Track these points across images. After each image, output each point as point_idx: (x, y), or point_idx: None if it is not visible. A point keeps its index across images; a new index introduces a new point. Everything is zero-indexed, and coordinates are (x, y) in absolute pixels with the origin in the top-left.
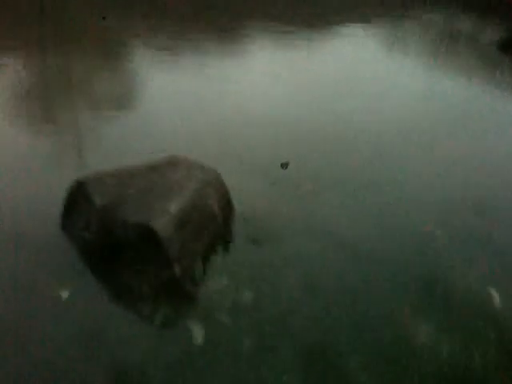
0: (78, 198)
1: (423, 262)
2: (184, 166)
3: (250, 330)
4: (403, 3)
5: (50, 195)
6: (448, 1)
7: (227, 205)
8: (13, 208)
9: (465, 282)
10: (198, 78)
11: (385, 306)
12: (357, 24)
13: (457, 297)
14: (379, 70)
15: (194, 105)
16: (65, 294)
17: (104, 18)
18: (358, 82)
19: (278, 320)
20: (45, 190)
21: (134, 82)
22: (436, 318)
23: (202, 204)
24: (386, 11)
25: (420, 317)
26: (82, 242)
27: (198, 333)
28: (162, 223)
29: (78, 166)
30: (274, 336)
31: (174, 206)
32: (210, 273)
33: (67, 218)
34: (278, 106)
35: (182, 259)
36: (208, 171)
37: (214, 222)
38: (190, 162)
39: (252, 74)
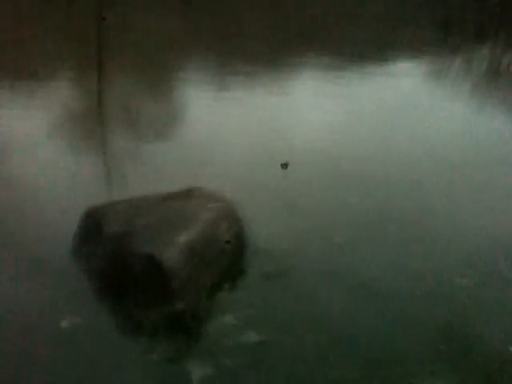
0: (89, 225)
1: (446, 309)
2: (199, 197)
3: (250, 374)
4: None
5: (67, 220)
6: None
7: (240, 238)
8: (30, 231)
9: (486, 337)
10: (240, 109)
11: (396, 353)
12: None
13: (475, 352)
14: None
15: (230, 136)
16: (65, 323)
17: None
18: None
19: (281, 365)
20: (62, 214)
21: (175, 108)
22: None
23: (212, 236)
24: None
25: (430, 367)
26: (90, 270)
27: (195, 373)
28: (168, 255)
29: (98, 191)
30: (274, 383)
31: (182, 238)
32: (214, 309)
33: (79, 245)
34: (321, 142)
35: (186, 293)
36: (223, 203)
37: (223, 255)
38: (206, 194)
39: (296, 108)
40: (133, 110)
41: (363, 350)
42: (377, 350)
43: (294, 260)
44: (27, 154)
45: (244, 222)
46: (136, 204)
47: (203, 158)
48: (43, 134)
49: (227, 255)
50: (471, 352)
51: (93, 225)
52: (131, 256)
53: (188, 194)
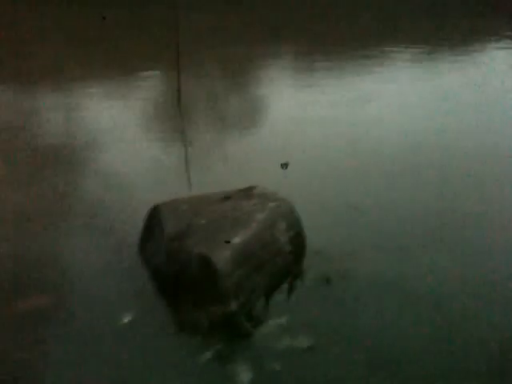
0: (153, 223)
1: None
2: (259, 196)
3: (297, 378)
4: None
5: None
6: None
7: (299, 239)
8: (103, 223)
9: None
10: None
11: (450, 368)
12: None
13: None
14: None
15: (303, 132)
16: (126, 319)
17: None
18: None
19: (329, 372)
20: (138, 207)
21: (250, 103)
22: None
23: (269, 237)
24: None
25: None
26: (152, 268)
27: (244, 376)
28: (222, 256)
29: (175, 185)
30: None
31: (238, 239)
32: (269, 311)
33: (144, 242)
34: (402, 140)
35: (239, 295)
36: (282, 203)
37: (280, 256)
38: (266, 193)
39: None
40: (214, 104)
41: (417, 362)
42: (428, 364)
43: (354, 263)
44: (113, 148)
45: (304, 222)
46: (197, 202)
47: (280, 153)
48: (127, 129)
49: (284, 256)
50: None
51: (155, 222)
52: (187, 256)
53: (248, 192)
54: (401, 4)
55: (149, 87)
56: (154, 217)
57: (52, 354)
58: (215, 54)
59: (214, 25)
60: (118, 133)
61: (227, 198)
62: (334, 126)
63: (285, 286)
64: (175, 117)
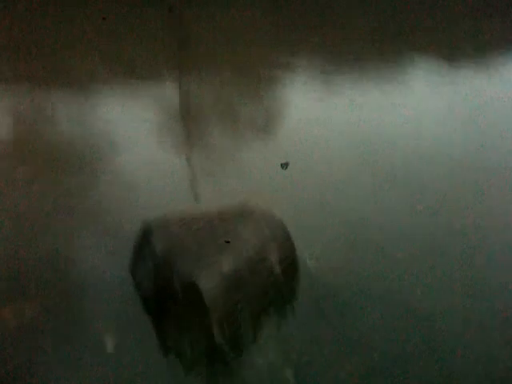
0: (143, 241)
1: None
2: (253, 216)
3: None
4: None
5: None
6: None
7: (290, 260)
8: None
9: None
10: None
11: None
12: None
13: None
14: None
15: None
16: (109, 343)
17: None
18: None
19: None
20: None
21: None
22: None
23: (260, 261)
24: None
25: None
26: (141, 289)
27: None
28: (209, 283)
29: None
30: None
31: (227, 263)
32: (256, 342)
33: (134, 261)
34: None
35: (225, 323)
36: (275, 223)
37: (271, 279)
38: (261, 213)
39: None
40: (222, 109)
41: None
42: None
43: (348, 283)
44: (128, 153)
45: (296, 242)
46: (190, 219)
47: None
48: (130, 133)
49: (275, 279)
50: None
51: (145, 241)
52: (176, 280)
53: (241, 210)
54: (419, 9)
55: (155, 91)
56: (144, 235)
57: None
58: (224, 56)
59: (224, 26)
60: (122, 137)
61: (219, 214)
62: (346, 136)
63: (275, 311)
64: (180, 122)
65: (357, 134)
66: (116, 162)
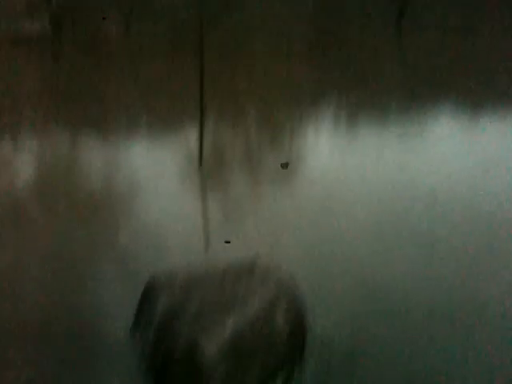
0: (147, 297)
1: None
2: (260, 274)
3: None
4: None
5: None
6: None
7: (299, 321)
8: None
9: None
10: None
11: None
12: None
13: None
14: None
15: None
16: None
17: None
18: None
19: None
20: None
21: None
22: None
23: (266, 322)
24: None
25: None
26: (141, 347)
27: None
28: (210, 347)
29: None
30: None
31: (230, 327)
32: None
33: (137, 315)
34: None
35: None
36: (285, 283)
37: (277, 342)
38: (269, 270)
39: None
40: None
41: None
42: None
43: (359, 347)
44: (148, 195)
45: (306, 302)
46: (195, 274)
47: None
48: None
49: (282, 342)
50: None
51: (149, 298)
52: (174, 342)
53: (249, 266)
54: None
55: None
56: (149, 292)
57: None
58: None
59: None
60: (151, 183)
61: (226, 272)
62: (365, 193)
63: (281, 377)
64: (198, 169)
65: (377, 190)
66: (135, 207)
